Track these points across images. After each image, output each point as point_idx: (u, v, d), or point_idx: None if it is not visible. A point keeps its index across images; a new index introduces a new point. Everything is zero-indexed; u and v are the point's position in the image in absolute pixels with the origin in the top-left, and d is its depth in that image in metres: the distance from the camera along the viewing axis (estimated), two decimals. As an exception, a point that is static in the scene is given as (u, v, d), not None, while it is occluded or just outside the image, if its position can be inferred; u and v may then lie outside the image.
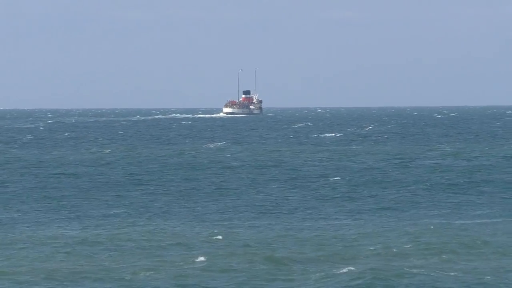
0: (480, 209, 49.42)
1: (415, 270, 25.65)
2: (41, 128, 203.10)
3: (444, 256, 29.17)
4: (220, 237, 36.13)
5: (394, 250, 30.78)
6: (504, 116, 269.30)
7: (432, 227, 39.11)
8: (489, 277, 24.00)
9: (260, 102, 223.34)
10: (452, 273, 25.27)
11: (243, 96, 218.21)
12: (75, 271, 26.34)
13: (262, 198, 55.88)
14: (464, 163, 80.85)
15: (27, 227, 40.26)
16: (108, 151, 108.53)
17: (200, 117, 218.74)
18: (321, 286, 23.48)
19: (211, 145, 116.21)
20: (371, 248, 31.48)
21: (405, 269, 26.04)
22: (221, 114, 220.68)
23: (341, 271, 25.50)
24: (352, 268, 25.58)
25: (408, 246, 32.21)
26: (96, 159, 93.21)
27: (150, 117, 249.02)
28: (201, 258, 28.46)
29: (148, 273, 25.61)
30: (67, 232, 38.45)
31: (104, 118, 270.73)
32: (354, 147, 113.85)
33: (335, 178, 67.02)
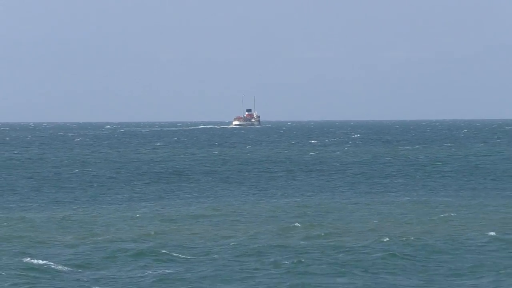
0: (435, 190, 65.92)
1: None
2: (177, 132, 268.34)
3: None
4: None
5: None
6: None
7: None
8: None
9: (258, 117, 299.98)
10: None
11: (246, 113, 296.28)
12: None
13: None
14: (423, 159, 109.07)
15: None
16: (216, 152, 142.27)
17: (221, 127, 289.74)
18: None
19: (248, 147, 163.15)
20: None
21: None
22: (232, 126, 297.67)
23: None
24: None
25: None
26: (216, 155, 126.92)
27: (190, 127, 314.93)
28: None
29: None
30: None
31: (159, 128, 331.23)
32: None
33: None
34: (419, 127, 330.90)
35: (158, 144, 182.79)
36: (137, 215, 49.18)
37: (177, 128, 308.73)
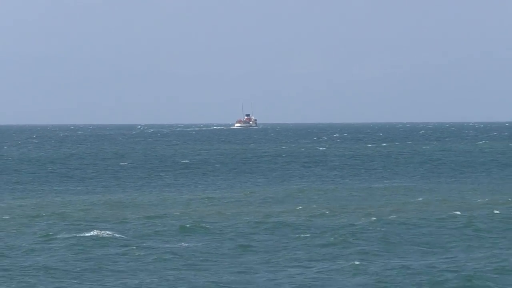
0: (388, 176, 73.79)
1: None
2: (193, 132, 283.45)
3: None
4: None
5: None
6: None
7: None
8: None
9: (255, 120, 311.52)
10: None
11: (246, 116, 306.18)
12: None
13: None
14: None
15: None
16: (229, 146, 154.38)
17: (228, 128, 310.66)
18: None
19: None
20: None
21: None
22: (234, 127, 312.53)
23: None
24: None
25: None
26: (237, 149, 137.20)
27: (203, 128, 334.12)
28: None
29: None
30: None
31: (179, 129, 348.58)
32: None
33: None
34: (386, 129, 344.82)
35: (182, 140, 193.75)
36: (186, 197, 53.61)
37: (194, 129, 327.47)
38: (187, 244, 30.28)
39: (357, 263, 24.38)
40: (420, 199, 49.33)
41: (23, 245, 30.78)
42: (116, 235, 32.40)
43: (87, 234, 32.36)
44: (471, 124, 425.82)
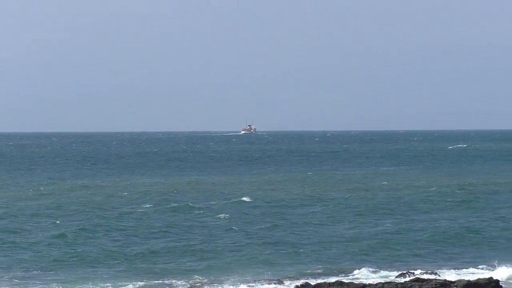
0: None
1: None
2: (216, 136, 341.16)
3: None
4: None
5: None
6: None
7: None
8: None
9: (255, 129, 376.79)
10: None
11: (248, 126, 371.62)
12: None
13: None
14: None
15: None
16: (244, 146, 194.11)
17: (236, 134, 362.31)
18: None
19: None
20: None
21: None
22: (241, 133, 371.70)
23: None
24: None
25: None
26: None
27: (222, 134, 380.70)
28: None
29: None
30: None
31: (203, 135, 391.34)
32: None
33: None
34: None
35: (211, 143, 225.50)
36: (233, 181, 71.06)
37: (215, 135, 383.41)
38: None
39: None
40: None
41: (139, 210, 46.47)
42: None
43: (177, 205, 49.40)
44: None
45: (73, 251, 31.88)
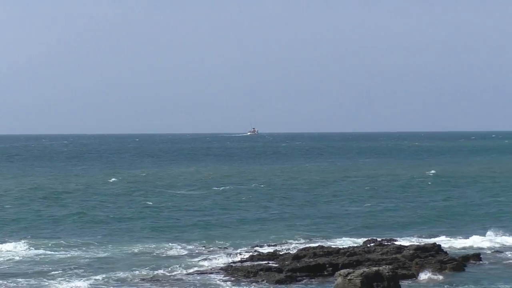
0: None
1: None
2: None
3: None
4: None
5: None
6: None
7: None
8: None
9: (257, 131, 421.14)
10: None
11: (252, 128, 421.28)
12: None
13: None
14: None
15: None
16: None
17: (244, 135, 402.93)
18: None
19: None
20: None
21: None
22: (247, 134, 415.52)
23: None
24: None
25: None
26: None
27: (235, 135, 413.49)
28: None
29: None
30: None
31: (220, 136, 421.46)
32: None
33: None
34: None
35: (228, 142, 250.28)
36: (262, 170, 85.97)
37: (229, 135, 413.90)
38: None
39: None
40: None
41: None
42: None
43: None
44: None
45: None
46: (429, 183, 64.30)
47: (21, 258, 28.17)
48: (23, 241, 31.47)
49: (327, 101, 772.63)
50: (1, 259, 28.04)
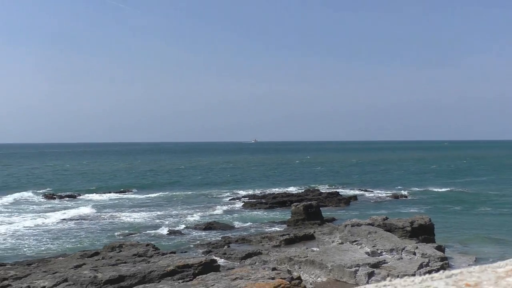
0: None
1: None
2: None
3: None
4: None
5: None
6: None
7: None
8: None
9: (256, 140, 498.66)
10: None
11: (255, 139, 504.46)
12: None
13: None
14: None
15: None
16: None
17: (250, 142, 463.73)
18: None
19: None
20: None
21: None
22: (251, 142, 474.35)
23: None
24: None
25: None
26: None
27: (243, 142, 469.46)
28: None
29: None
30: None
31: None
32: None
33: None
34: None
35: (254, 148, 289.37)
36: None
37: (241, 143, 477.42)
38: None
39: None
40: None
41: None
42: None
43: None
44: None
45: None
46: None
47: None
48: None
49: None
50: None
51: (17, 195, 52.40)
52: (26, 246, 27.54)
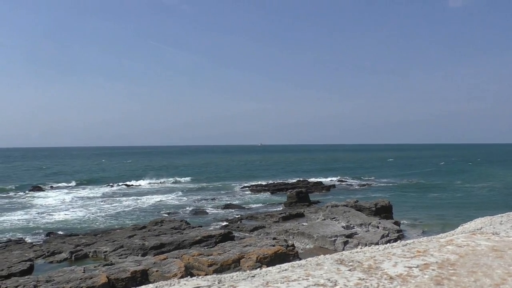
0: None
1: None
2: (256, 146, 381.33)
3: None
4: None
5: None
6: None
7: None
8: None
9: (262, 143, 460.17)
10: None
11: (261, 143, 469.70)
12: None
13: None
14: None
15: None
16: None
17: (258, 146, 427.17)
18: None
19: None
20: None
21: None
22: (258, 145, 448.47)
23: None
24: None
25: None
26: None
27: (255, 145, 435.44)
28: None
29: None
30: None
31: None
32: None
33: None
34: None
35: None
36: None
37: (255, 146, 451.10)
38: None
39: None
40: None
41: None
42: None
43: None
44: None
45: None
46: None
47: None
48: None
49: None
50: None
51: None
52: (97, 221, 27.42)
